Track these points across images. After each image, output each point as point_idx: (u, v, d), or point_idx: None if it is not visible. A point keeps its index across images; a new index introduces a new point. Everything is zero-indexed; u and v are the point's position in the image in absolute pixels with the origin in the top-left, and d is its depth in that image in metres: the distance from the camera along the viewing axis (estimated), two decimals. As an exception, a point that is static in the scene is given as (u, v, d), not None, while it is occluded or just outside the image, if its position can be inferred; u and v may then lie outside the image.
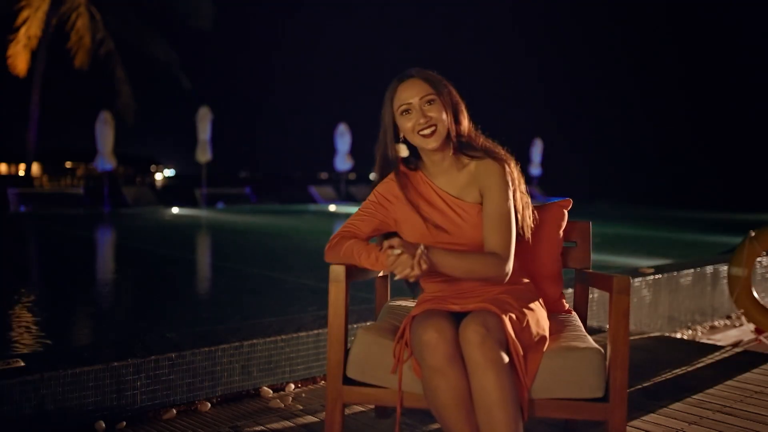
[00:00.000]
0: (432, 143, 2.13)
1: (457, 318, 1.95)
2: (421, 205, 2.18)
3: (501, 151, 2.20)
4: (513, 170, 2.19)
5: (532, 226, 2.24)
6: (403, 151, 2.21)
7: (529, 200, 2.25)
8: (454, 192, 2.19)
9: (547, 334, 2.04)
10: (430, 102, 2.12)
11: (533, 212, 2.26)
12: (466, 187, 2.18)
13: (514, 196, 2.16)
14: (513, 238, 2.10)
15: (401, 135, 2.19)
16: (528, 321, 1.96)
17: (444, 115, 2.13)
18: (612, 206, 22.09)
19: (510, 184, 2.15)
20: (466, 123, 2.20)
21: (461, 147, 2.19)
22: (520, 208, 2.19)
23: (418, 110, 2.12)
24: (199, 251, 10.62)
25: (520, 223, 2.18)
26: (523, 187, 2.22)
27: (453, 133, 2.16)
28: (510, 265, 2.07)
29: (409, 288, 2.39)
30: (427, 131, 2.12)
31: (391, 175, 2.24)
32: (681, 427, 2.63)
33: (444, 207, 2.17)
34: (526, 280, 2.22)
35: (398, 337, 2.00)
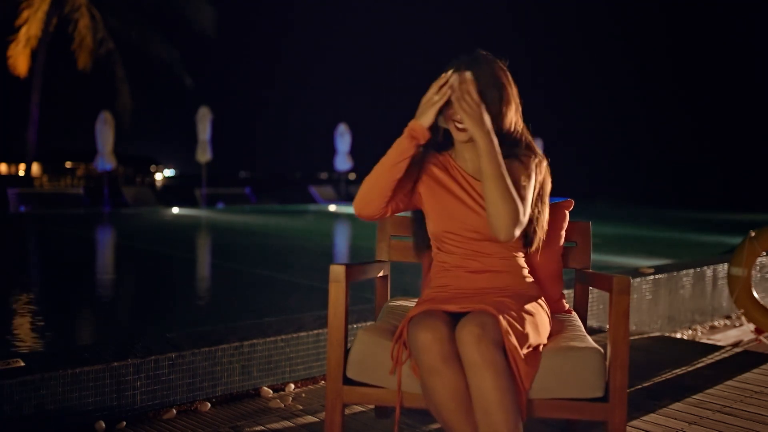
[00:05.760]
0: (461, 137, 2.10)
1: (456, 319, 1.94)
2: (440, 185, 2.16)
3: (537, 151, 2.17)
4: (543, 168, 2.15)
5: (543, 238, 2.20)
6: (442, 123, 2.13)
7: (547, 214, 2.20)
8: (479, 176, 2.13)
9: (545, 338, 2.03)
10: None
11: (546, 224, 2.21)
12: None
13: (535, 187, 2.11)
14: (529, 210, 2.03)
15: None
16: (527, 323, 1.95)
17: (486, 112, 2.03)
18: (612, 206, 22.08)
19: (535, 176, 2.11)
20: (510, 118, 2.13)
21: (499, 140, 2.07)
22: (536, 209, 2.14)
23: None
24: (199, 251, 10.62)
25: (534, 223, 2.15)
26: (546, 195, 2.19)
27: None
28: (518, 231, 1.98)
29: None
30: (461, 125, 2.08)
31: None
32: (681, 427, 2.64)
33: (467, 189, 2.14)
34: (530, 279, 2.20)
35: (396, 338, 2.00)
